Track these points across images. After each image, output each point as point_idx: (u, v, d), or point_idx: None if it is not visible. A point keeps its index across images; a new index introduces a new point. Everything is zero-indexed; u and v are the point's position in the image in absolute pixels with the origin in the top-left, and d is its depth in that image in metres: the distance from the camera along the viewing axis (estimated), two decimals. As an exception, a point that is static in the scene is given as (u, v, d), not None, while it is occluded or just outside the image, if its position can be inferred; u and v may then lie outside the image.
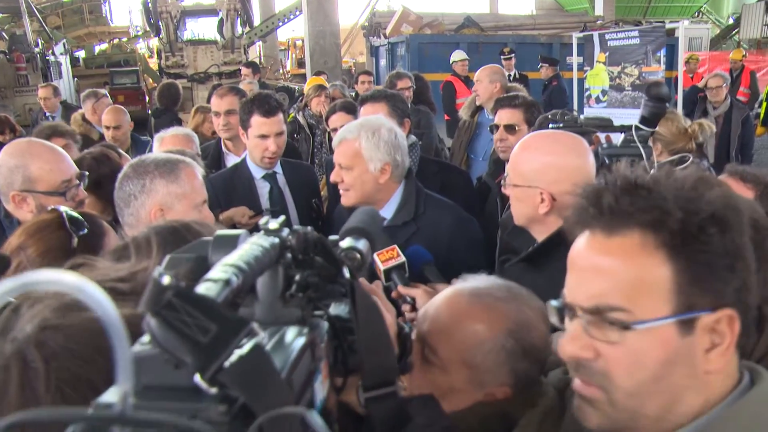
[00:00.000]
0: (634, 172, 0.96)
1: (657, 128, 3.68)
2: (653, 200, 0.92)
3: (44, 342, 0.72)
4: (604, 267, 0.94)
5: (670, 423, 0.97)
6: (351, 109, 4.13)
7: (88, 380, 0.72)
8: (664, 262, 0.90)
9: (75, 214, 1.78)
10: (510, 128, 3.59)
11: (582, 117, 2.58)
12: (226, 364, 0.53)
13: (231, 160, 4.11)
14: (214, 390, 0.52)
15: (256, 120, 3.28)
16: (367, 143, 2.58)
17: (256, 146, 3.33)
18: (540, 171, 2.06)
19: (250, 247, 0.67)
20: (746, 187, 2.11)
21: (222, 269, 0.61)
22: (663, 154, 3.78)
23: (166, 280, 0.52)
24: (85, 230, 1.74)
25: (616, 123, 2.75)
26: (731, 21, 29.06)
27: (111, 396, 0.51)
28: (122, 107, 5.61)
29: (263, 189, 3.42)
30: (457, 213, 2.76)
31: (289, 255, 0.74)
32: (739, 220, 0.92)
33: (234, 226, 2.95)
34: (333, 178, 2.65)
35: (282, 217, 0.77)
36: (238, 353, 0.54)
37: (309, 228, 0.76)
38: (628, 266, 0.92)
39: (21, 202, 2.46)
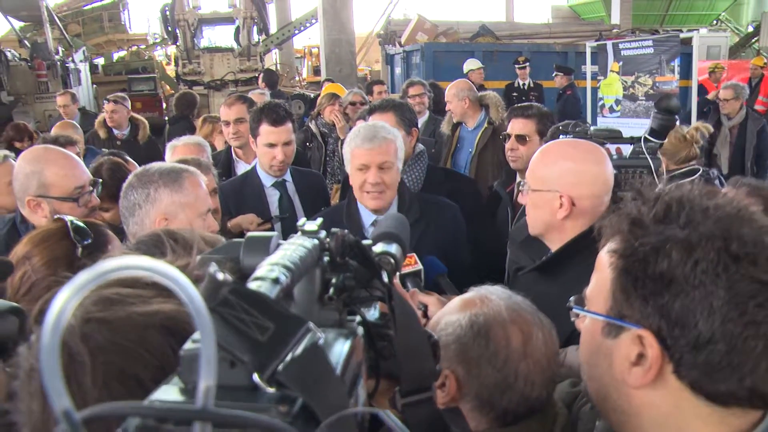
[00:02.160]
0: (669, 189, 0.98)
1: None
2: (629, 210, 0.97)
3: (90, 335, 0.71)
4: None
5: (605, 416, 1.07)
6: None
7: (135, 376, 0.71)
8: (609, 267, 0.97)
9: (80, 223, 1.81)
10: (521, 138, 3.61)
11: (592, 128, 2.59)
12: (285, 363, 0.51)
13: (241, 168, 4.18)
14: (272, 390, 0.51)
15: (265, 128, 3.33)
16: (400, 143, 2.69)
17: (265, 154, 3.38)
18: (559, 175, 2.06)
19: (295, 247, 0.66)
20: (750, 201, 2.10)
21: (269, 268, 0.59)
22: (670, 165, 3.78)
23: (221, 276, 0.51)
24: (90, 240, 1.77)
25: (630, 133, 2.76)
26: (750, 29, 28.78)
27: (165, 393, 0.50)
28: (74, 123, 5.75)
29: (273, 197, 3.46)
30: (448, 205, 2.88)
31: (326, 258, 0.73)
32: (700, 255, 0.87)
33: (242, 234, 2.98)
34: (372, 179, 2.63)
35: (320, 219, 0.76)
36: (296, 352, 0.52)
37: (345, 231, 0.75)
38: (598, 263, 1.03)
39: (36, 207, 2.52)
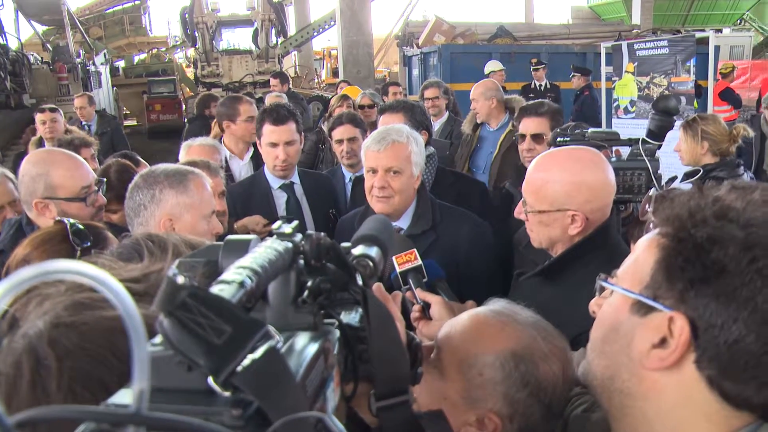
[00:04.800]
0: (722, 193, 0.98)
1: (706, 127, 3.71)
2: (686, 201, 0.96)
3: (57, 339, 0.70)
4: None
5: (607, 398, 1.05)
6: (358, 123, 4.17)
7: (100, 380, 0.70)
8: (657, 248, 0.96)
9: (80, 226, 1.84)
10: (538, 137, 3.55)
11: (589, 131, 2.57)
12: (241, 366, 0.51)
13: (234, 163, 4.46)
14: (227, 393, 0.51)
15: (267, 128, 3.37)
16: (416, 148, 2.60)
17: (268, 154, 3.41)
18: (570, 193, 1.99)
19: (264, 250, 0.65)
20: None
21: (236, 271, 0.59)
22: (707, 154, 3.76)
23: (180, 279, 0.51)
24: (89, 242, 1.79)
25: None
26: (775, 29, 28.41)
27: (123, 397, 0.50)
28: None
29: (281, 199, 3.48)
30: (472, 220, 2.78)
31: (301, 260, 0.72)
32: (757, 254, 0.86)
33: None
34: (378, 183, 2.58)
35: (295, 222, 0.76)
36: (252, 356, 0.52)
37: (322, 234, 0.74)
38: (639, 245, 1.03)
39: (44, 209, 2.55)
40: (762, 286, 0.85)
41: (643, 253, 0.99)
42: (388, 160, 2.56)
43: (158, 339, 0.52)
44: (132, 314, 0.44)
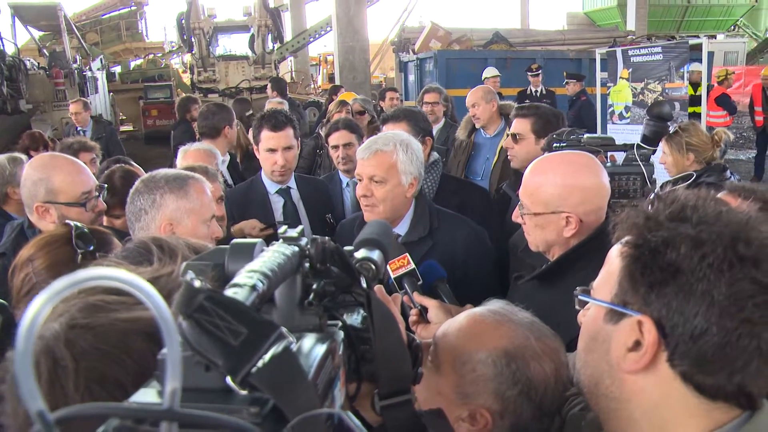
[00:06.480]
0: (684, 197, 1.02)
1: (689, 140, 3.77)
2: (645, 208, 1.01)
3: (74, 341, 0.73)
4: None
5: (595, 402, 1.09)
6: (354, 128, 4.20)
7: (116, 380, 0.73)
8: (620, 257, 1.00)
9: (85, 229, 1.85)
10: (514, 137, 3.61)
11: (585, 137, 2.60)
12: (257, 366, 0.53)
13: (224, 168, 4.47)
14: (244, 392, 0.53)
15: (265, 134, 3.40)
16: (404, 156, 2.58)
17: (266, 160, 3.43)
18: (563, 195, 2.03)
19: (273, 254, 0.68)
20: (745, 205, 2.10)
21: (247, 275, 0.61)
22: (693, 164, 3.82)
23: (197, 283, 0.53)
24: (92, 246, 1.81)
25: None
26: (768, 35, 28.57)
27: (144, 396, 0.53)
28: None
29: (277, 204, 3.50)
30: (469, 226, 2.78)
31: (307, 264, 0.74)
32: (707, 251, 0.91)
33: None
34: (361, 191, 2.60)
35: (300, 227, 0.78)
36: (268, 356, 0.54)
37: (326, 238, 0.77)
38: (608, 256, 1.08)
39: (44, 213, 2.58)
40: (715, 279, 0.90)
41: (612, 263, 1.04)
42: (371, 168, 2.57)
43: None
44: (166, 317, 0.47)
